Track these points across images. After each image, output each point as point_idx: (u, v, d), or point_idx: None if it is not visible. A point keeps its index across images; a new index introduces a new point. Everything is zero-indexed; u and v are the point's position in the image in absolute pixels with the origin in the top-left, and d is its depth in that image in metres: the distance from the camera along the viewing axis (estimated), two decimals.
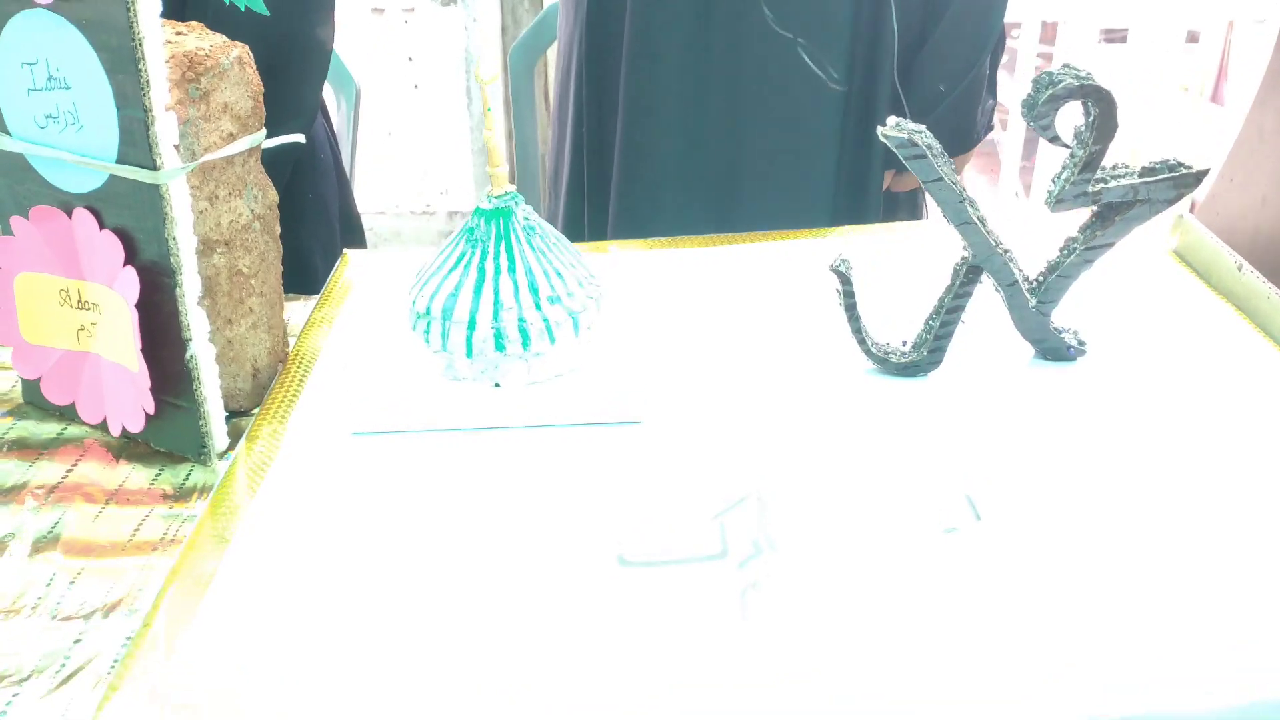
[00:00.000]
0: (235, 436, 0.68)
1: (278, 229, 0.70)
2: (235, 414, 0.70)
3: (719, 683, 0.46)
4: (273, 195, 0.69)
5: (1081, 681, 0.45)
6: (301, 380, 0.70)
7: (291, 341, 0.76)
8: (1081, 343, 0.68)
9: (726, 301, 0.78)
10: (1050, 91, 0.58)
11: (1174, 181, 0.61)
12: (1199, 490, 0.56)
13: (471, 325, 0.63)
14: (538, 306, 0.63)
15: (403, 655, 0.48)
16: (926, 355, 0.67)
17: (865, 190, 1.06)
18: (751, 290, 0.79)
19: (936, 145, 0.62)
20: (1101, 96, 0.58)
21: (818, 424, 0.63)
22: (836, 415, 0.63)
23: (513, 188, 0.65)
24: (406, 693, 0.46)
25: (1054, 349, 0.68)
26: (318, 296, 0.82)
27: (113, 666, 0.51)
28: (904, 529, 0.54)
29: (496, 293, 0.63)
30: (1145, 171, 0.61)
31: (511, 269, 0.64)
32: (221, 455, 0.66)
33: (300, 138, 0.73)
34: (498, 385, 0.64)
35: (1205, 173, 0.61)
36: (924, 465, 0.58)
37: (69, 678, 0.51)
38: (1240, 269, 0.73)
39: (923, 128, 0.62)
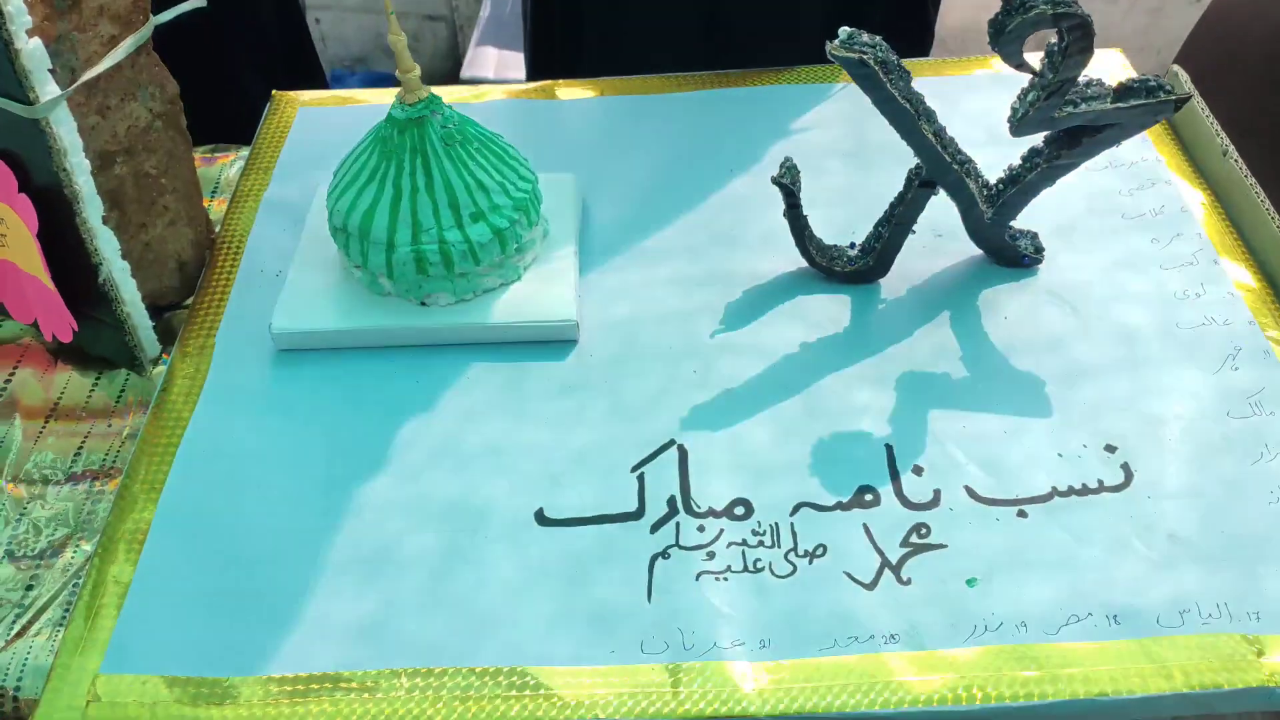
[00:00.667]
0: (168, 334, 0.67)
1: (183, 120, 0.65)
2: (167, 308, 0.69)
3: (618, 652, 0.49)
4: (172, 87, 0.63)
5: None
6: (230, 275, 0.68)
7: (220, 210, 0.73)
8: (1039, 250, 0.65)
9: (681, 171, 0.73)
10: (1020, 18, 0.51)
11: (1150, 109, 0.55)
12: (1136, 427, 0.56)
13: (390, 247, 0.60)
14: (459, 226, 0.60)
15: (323, 598, 0.51)
16: (874, 264, 0.64)
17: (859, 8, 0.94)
18: (711, 153, 0.74)
19: (892, 59, 0.55)
20: (1077, 24, 0.51)
21: (755, 347, 0.61)
22: (776, 336, 0.62)
23: (428, 92, 0.60)
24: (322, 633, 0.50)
25: (1009, 258, 0.64)
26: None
27: (66, 611, 0.54)
28: (819, 493, 0.54)
29: (414, 213, 0.60)
30: (1120, 94, 0.55)
31: (429, 186, 0.60)
32: (155, 361, 0.66)
33: (202, 1, 0.66)
34: (424, 304, 0.62)
35: (1187, 98, 0.55)
36: (855, 407, 0.58)
37: (25, 628, 0.54)
38: (1225, 154, 0.68)
39: (878, 40, 0.55)
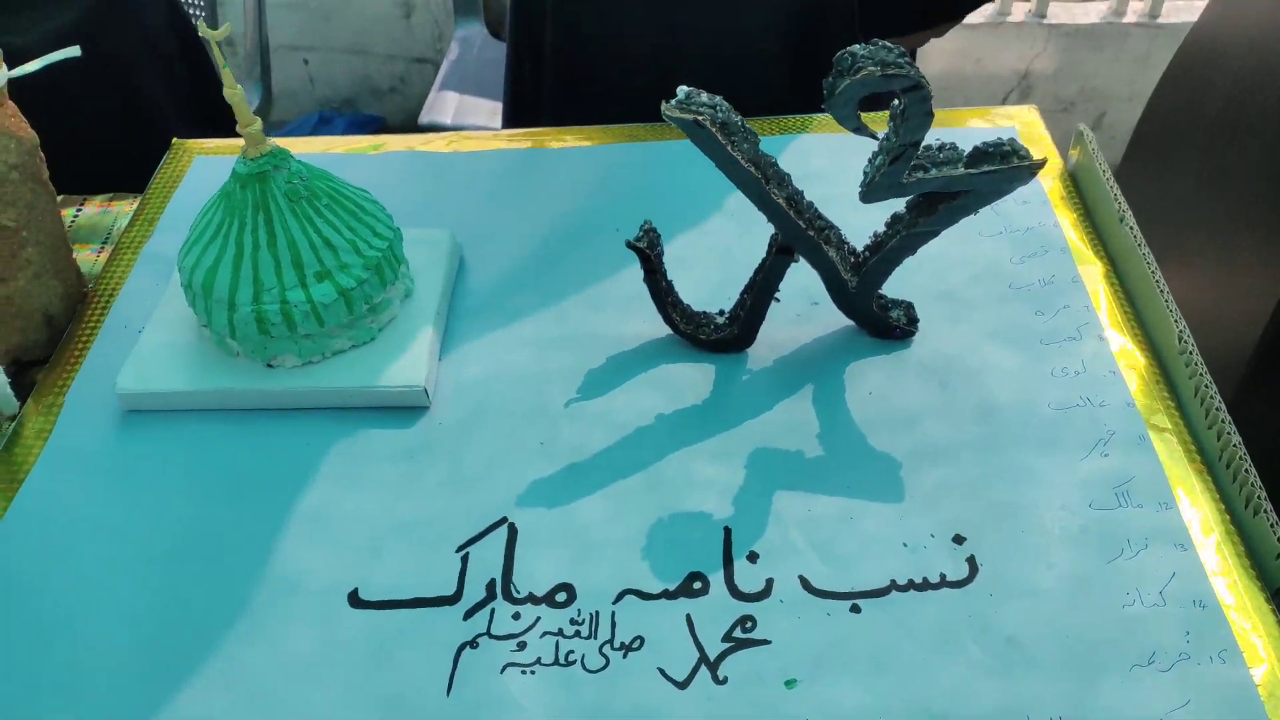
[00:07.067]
0: (31, 389, 0.65)
1: (45, 171, 0.64)
2: (32, 364, 0.68)
3: None
4: (31, 139, 0.62)
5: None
6: (95, 329, 0.67)
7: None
8: (913, 321, 0.62)
9: (571, 228, 0.71)
10: (849, 80, 0.48)
11: (1005, 174, 0.52)
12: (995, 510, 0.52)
13: (231, 306, 0.58)
14: (303, 285, 0.58)
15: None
16: (739, 333, 0.61)
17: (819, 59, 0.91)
18: (606, 210, 0.72)
19: (735, 120, 0.53)
20: (910, 86, 0.48)
21: (606, 417, 0.59)
22: (631, 406, 0.59)
23: (272, 145, 0.58)
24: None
25: (880, 329, 0.61)
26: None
27: None
28: (646, 578, 0.51)
29: (255, 271, 0.58)
30: (973, 159, 0.52)
31: (271, 243, 0.58)
32: (13, 418, 0.64)
33: (75, 51, 0.65)
34: (270, 365, 0.60)
35: (1043, 163, 0.52)
36: (699, 483, 0.55)
37: None
38: (1122, 220, 0.64)
39: (718, 100, 0.53)
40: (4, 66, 0.60)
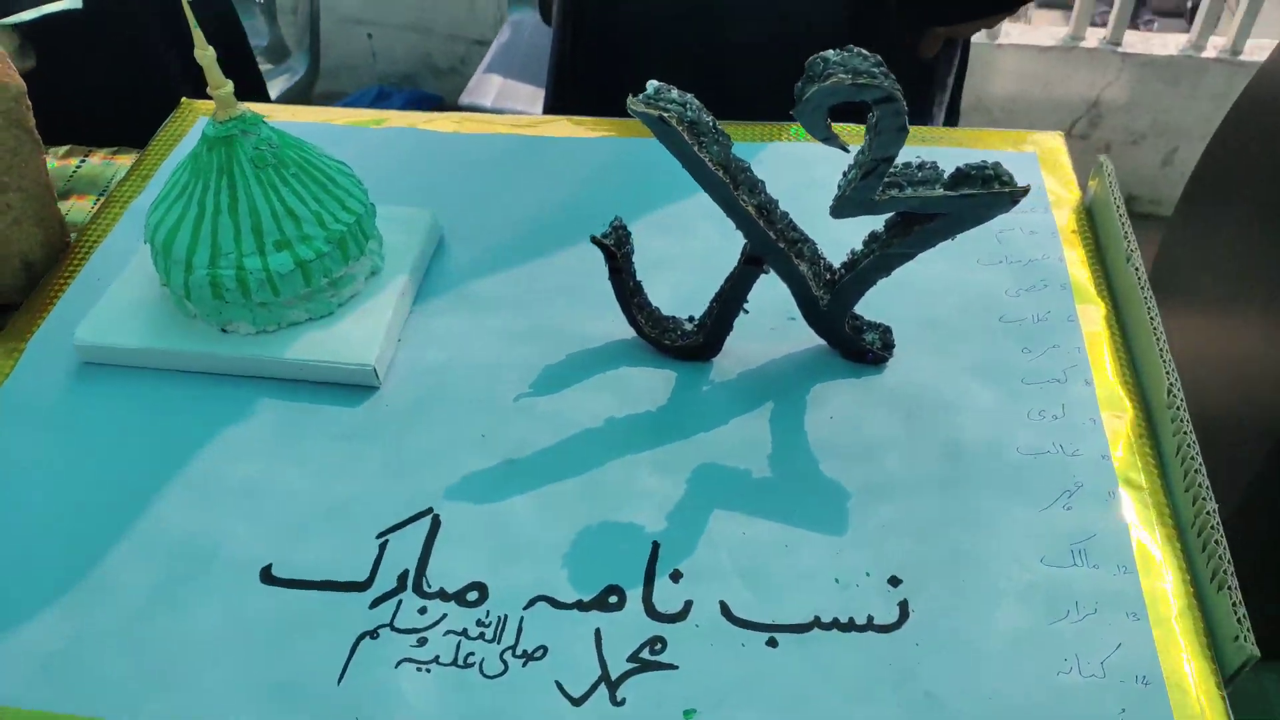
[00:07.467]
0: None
1: (30, 119, 0.64)
2: (7, 308, 0.68)
3: None
4: (17, 86, 0.62)
5: None
6: (69, 280, 0.67)
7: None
8: (888, 346, 0.58)
9: (562, 218, 0.69)
10: (817, 87, 0.45)
11: (983, 200, 0.48)
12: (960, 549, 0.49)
13: (188, 268, 0.57)
14: (260, 253, 0.57)
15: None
16: (705, 341, 0.59)
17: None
18: (602, 204, 0.70)
19: (706, 119, 0.50)
20: (883, 99, 0.45)
21: (556, 416, 0.57)
22: (582, 407, 0.57)
23: (243, 109, 0.57)
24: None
25: (853, 352, 0.58)
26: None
27: None
28: (562, 587, 0.49)
29: (214, 235, 0.57)
30: (953, 181, 0.49)
31: (232, 208, 0.57)
32: None
33: (76, 3, 0.65)
34: (225, 330, 0.60)
35: (1025, 190, 0.48)
36: (636, 494, 0.53)
37: None
38: (1128, 260, 0.60)
39: (689, 98, 0.50)
40: None
